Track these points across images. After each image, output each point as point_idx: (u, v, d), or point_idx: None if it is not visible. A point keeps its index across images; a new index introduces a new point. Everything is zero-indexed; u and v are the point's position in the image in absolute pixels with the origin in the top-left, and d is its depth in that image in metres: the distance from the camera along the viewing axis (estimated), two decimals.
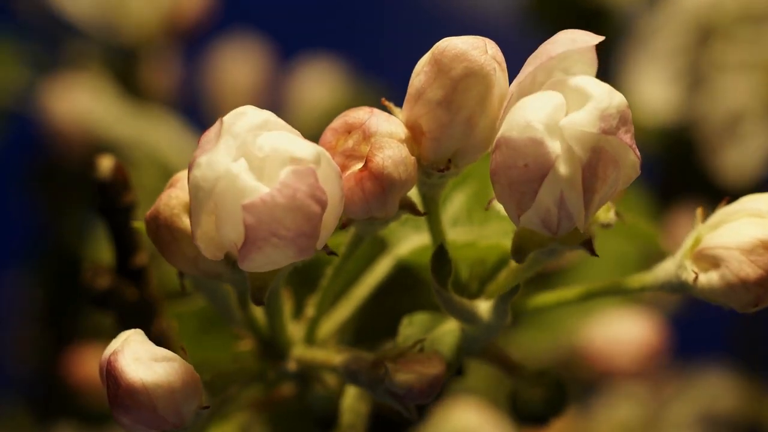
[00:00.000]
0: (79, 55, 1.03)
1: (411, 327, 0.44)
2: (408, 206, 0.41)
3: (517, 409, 0.47)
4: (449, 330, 0.44)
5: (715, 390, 0.98)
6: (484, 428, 0.71)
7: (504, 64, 0.41)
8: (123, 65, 1.02)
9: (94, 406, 0.86)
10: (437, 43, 0.41)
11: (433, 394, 0.41)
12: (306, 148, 0.37)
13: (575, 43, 0.39)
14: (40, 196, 1.04)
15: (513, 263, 0.43)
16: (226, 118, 0.38)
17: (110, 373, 0.38)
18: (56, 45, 1.04)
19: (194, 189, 0.37)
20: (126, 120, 0.96)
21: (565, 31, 0.40)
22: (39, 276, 1.03)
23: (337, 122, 0.41)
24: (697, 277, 0.42)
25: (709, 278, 0.42)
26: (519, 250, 0.40)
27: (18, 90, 1.06)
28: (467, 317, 0.42)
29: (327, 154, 0.38)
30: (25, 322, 1.04)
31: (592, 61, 0.41)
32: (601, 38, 0.39)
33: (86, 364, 0.85)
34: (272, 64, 1.19)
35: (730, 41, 0.96)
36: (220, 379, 0.42)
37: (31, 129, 1.04)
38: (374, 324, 0.51)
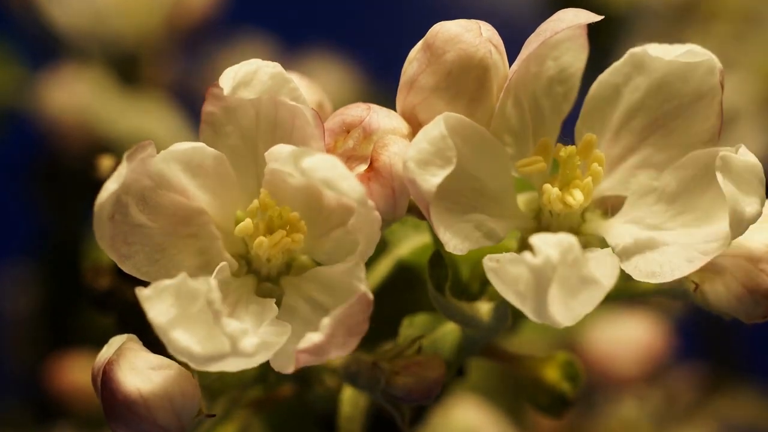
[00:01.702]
0: (79, 53, 1.02)
1: (411, 328, 0.43)
2: (415, 208, 0.40)
3: (538, 399, 0.46)
4: (450, 331, 0.43)
5: (734, 401, 0.97)
6: (485, 428, 0.71)
7: (502, 47, 0.39)
8: (123, 61, 1.02)
9: (88, 412, 0.85)
10: (431, 28, 0.40)
11: (433, 396, 0.40)
12: (355, 188, 0.35)
13: (578, 18, 0.39)
14: (40, 196, 1.04)
15: None
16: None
17: (106, 385, 0.37)
18: (55, 43, 1.03)
19: None
20: (126, 116, 0.96)
21: (564, 10, 0.39)
22: (39, 276, 1.02)
23: (333, 121, 0.39)
24: (697, 288, 0.39)
25: (714, 288, 0.39)
26: None
27: (17, 88, 1.06)
28: (466, 321, 0.42)
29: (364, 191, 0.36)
30: (24, 322, 1.04)
31: (583, 47, 0.41)
32: (600, 17, 0.39)
33: (74, 372, 0.84)
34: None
35: (727, 41, 0.96)
36: (219, 383, 0.41)
37: (31, 128, 1.03)
38: (374, 324, 0.50)
